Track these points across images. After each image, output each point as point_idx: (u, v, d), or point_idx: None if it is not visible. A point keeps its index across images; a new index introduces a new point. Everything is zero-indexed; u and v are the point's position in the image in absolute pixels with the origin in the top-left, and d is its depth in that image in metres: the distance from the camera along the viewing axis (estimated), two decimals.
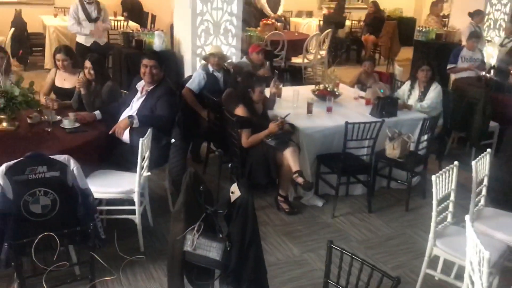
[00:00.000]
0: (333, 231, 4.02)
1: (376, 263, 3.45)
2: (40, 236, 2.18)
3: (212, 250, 2.11)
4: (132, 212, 3.52)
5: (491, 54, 7.48)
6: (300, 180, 3.93)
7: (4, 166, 2.77)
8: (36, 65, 8.41)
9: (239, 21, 5.90)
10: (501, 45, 7.67)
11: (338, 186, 4.21)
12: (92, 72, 4.16)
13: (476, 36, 6.77)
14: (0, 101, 3.53)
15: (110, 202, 3.58)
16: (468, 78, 6.48)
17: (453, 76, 6.85)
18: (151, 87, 4.00)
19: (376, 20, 10.37)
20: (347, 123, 4.02)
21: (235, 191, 2.13)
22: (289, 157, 3.98)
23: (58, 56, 4.36)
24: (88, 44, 6.09)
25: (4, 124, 3.67)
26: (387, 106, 4.60)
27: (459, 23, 8.40)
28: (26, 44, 8.32)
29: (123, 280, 3.28)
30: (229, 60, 5.40)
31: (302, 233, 3.98)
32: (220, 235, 2.16)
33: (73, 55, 4.54)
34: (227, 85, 4.93)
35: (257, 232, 2.17)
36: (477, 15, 7.68)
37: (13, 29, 7.20)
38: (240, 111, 4.14)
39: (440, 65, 6.56)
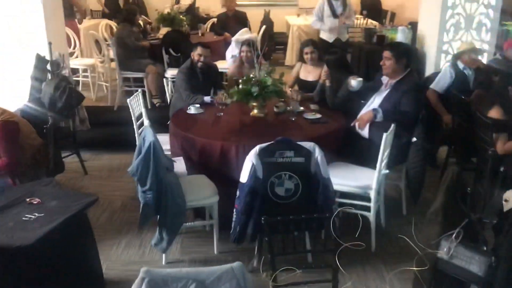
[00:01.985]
0: None
1: None
2: (291, 218, 2.21)
3: (473, 263, 1.83)
4: (366, 208, 3.42)
5: None
6: None
7: (257, 147, 2.97)
8: (277, 62, 9.06)
9: (496, 13, 5.23)
10: None
11: None
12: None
13: None
14: (254, 89, 3.83)
15: (343, 195, 3.54)
16: None
17: None
18: (395, 80, 3.82)
19: None
20: None
21: (510, 199, 1.81)
22: None
23: (307, 49, 4.53)
24: (330, 41, 6.23)
25: (255, 111, 3.99)
26: None
27: None
28: (271, 42, 9.03)
29: (352, 275, 3.20)
30: (479, 57, 4.84)
31: None
32: (485, 248, 1.86)
33: (319, 48, 4.66)
34: (477, 85, 4.43)
35: None
36: None
37: (264, 26, 7.87)
38: (495, 112, 3.62)
39: None
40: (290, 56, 8.65)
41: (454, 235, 1.89)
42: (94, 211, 4.01)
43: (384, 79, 3.90)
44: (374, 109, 3.68)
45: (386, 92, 3.82)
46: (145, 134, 3.15)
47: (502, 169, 3.07)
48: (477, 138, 3.79)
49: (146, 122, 3.40)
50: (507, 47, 4.95)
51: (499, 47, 5.30)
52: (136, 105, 4.14)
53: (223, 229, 3.36)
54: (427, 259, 1.96)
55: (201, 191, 3.32)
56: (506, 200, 1.83)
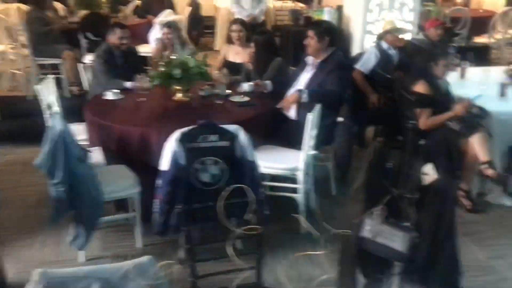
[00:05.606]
0: None
1: None
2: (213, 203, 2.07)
3: (395, 240, 1.79)
4: (295, 191, 3.35)
5: None
6: (490, 172, 3.33)
7: (178, 132, 2.79)
8: (206, 47, 8.81)
9: None
10: None
11: None
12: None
13: None
14: (176, 72, 3.63)
15: (273, 178, 3.45)
16: None
17: None
18: (320, 60, 3.76)
19: None
20: None
21: (429, 173, 1.77)
22: (476, 144, 3.40)
23: (235, 27, 4.40)
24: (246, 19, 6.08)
25: (179, 95, 3.79)
26: None
27: None
28: (200, 25, 8.75)
29: (281, 260, 3.13)
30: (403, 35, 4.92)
31: (487, 236, 3.40)
32: (407, 224, 1.82)
33: (247, 29, 4.54)
34: (401, 64, 4.50)
35: (455, 225, 1.78)
36: None
37: (190, 8, 7.59)
38: (420, 87, 3.66)
39: None
40: (219, 40, 8.42)
41: (376, 212, 1.83)
42: (4, 210, 3.67)
43: (309, 59, 3.83)
44: (299, 90, 3.60)
45: (312, 72, 3.76)
46: (53, 122, 2.87)
47: (422, 142, 3.11)
48: (402, 116, 3.83)
49: (55, 110, 3.11)
50: (429, 26, 5.06)
51: (421, 27, 5.42)
52: (48, 92, 3.80)
53: (149, 222, 3.16)
54: (351, 238, 1.89)
55: (120, 182, 3.10)
56: (425, 174, 1.80)
